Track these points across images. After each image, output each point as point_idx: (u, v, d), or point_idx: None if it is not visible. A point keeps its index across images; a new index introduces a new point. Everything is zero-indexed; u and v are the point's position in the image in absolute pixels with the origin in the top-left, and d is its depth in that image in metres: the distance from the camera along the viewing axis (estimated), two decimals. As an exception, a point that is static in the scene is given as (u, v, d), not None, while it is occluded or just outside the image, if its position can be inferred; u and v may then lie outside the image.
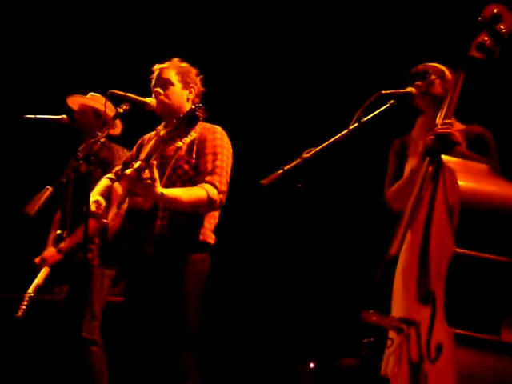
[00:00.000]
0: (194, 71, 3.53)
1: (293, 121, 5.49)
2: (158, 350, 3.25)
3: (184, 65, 3.52)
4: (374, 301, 2.77)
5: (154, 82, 3.50)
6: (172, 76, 3.47)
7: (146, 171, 3.06)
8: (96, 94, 4.41)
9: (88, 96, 4.44)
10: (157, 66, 3.52)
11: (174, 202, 3.19)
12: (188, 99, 3.48)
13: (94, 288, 4.06)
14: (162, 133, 3.05)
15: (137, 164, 3.08)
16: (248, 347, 5.50)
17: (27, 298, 4.03)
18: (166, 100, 3.44)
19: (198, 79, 3.53)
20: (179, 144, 3.01)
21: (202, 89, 3.53)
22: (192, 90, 3.50)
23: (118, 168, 3.71)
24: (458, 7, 4.65)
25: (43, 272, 4.12)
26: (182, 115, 3.04)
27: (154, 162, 3.04)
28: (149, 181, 3.04)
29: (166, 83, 3.45)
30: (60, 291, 4.21)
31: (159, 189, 3.08)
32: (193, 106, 3.01)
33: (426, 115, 3.25)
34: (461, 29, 3.08)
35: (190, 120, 2.98)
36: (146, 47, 5.68)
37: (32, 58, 5.83)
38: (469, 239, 2.57)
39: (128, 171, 3.10)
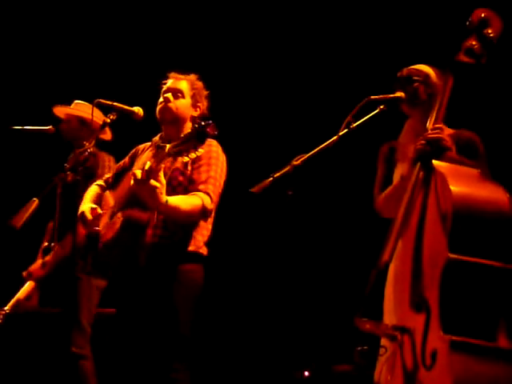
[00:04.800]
0: (205, 93, 3.56)
1: (282, 128, 5.48)
2: (150, 360, 3.22)
3: (199, 83, 3.55)
4: (366, 310, 2.75)
5: (165, 87, 3.50)
6: (186, 89, 3.50)
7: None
8: (81, 101, 4.39)
9: (73, 105, 4.42)
10: (173, 74, 3.54)
11: (174, 210, 3.16)
12: (191, 117, 3.50)
13: (83, 301, 4.02)
14: (168, 146, 3.02)
15: (147, 165, 3.04)
16: (243, 355, 5.48)
17: (1, 315, 3.95)
18: (174, 109, 3.45)
19: (205, 102, 3.56)
20: (186, 159, 3.00)
21: (205, 112, 3.55)
22: (198, 109, 3.52)
23: (108, 175, 3.68)
24: (447, 11, 4.66)
25: (27, 286, 4.06)
26: (191, 131, 3.01)
27: (162, 166, 3.01)
28: (156, 184, 3.01)
29: (178, 93, 3.47)
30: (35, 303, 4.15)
31: (164, 196, 3.06)
32: (202, 123, 2.99)
33: (412, 119, 3.24)
34: (449, 33, 3.08)
35: (199, 136, 2.96)
36: (132, 56, 5.68)
37: (19, 68, 5.80)
38: (462, 244, 2.56)
39: (137, 172, 3.05)
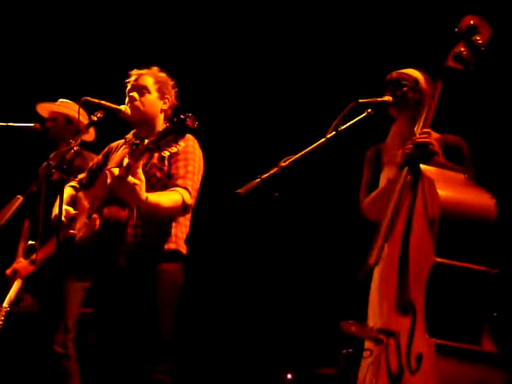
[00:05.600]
0: (171, 83, 3.50)
1: (270, 129, 5.48)
2: (132, 362, 3.20)
3: (162, 75, 3.48)
4: (351, 313, 2.76)
5: (129, 86, 3.45)
6: (150, 84, 3.43)
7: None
8: (66, 100, 4.36)
9: (58, 102, 4.39)
10: (135, 71, 3.48)
11: (155, 207, 3.12)
12: (162, 110, 3.45)
13: (67, 301, 3.99)
14: (146, 141, 2.98)
15: (125, 162, 2.99)
16: (226, 357, 5.46)
17: (3, 313, 3.92)
18: (141, 106, 3.40)
19: (173, 91, 3.50)
20: (166, 153, 2.96)
21: (175, 102, 3.50)
22: (167, 101, 3.46)
23: (81, 176, 3.64)
24: (436, 17, 4.68)
25: (16, 284, 4.03)
26: (170, 124, 2.95)
27: (140, 162, 2.98)
28: (135, 181, 2.98)
29: (142, 90, 3.41)
30: (32, 303, 4.12)
31: (144, 193, 3.03)
32: (182, 116, 2.94)
33: (399, 123, 3.25)
34: (438, 39, 3.09)
35: (179, 130, 2.92)
36: (118, 53, 5.65)
37: (3, 65, 5.76)
38: (448, 249, 2.57)
39: (115, 170, 3.01)
